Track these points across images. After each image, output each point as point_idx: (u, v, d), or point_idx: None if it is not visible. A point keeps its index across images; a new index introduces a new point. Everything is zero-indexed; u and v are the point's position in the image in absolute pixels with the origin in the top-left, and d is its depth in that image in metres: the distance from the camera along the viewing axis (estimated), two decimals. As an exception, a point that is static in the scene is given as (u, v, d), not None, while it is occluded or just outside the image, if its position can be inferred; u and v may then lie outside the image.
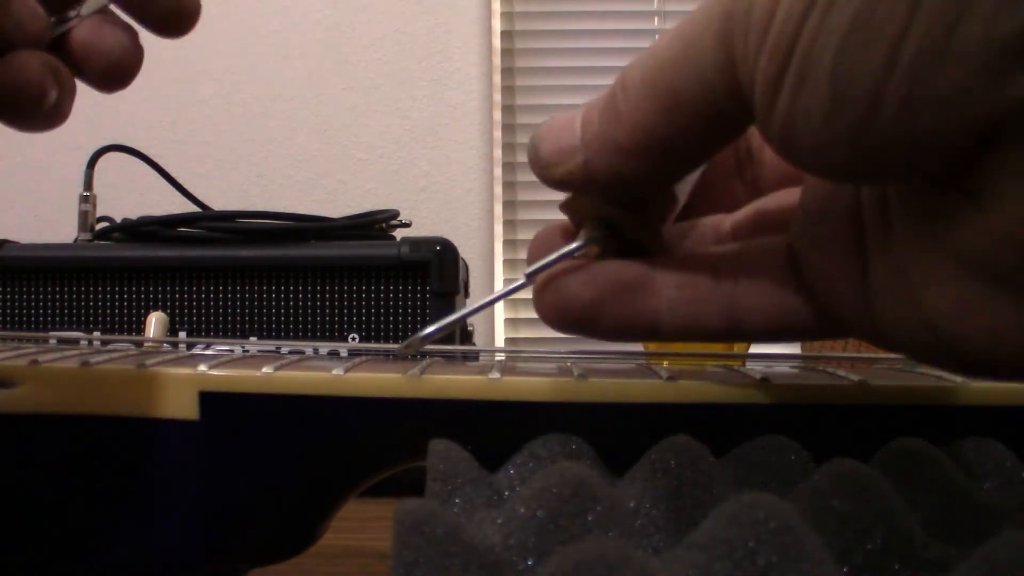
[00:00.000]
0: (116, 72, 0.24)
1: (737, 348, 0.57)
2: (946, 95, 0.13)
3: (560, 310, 0.19)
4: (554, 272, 0.19)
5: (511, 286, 0.21)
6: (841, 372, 0.23)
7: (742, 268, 0.20)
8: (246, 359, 0.24)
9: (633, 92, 0.17)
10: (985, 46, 0.12)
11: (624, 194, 0.19)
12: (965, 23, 0.12)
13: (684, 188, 0.21)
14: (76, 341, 0.54)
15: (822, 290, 0.18)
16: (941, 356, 0.16)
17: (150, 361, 0.23)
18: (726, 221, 0.23)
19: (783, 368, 0.27)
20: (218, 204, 0.68)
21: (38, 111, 0.23)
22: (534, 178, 0.19)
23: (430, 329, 0.21)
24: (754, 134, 0.21)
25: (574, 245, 0.19)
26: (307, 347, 0.54)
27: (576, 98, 1.48)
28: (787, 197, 0.21)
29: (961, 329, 0.15)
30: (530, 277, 0.20)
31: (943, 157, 0.14)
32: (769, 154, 0.22)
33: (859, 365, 0.30)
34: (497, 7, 1.50)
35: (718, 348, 0.57)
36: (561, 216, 0.21)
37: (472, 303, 0.22)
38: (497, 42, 1.50)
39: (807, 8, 0.14)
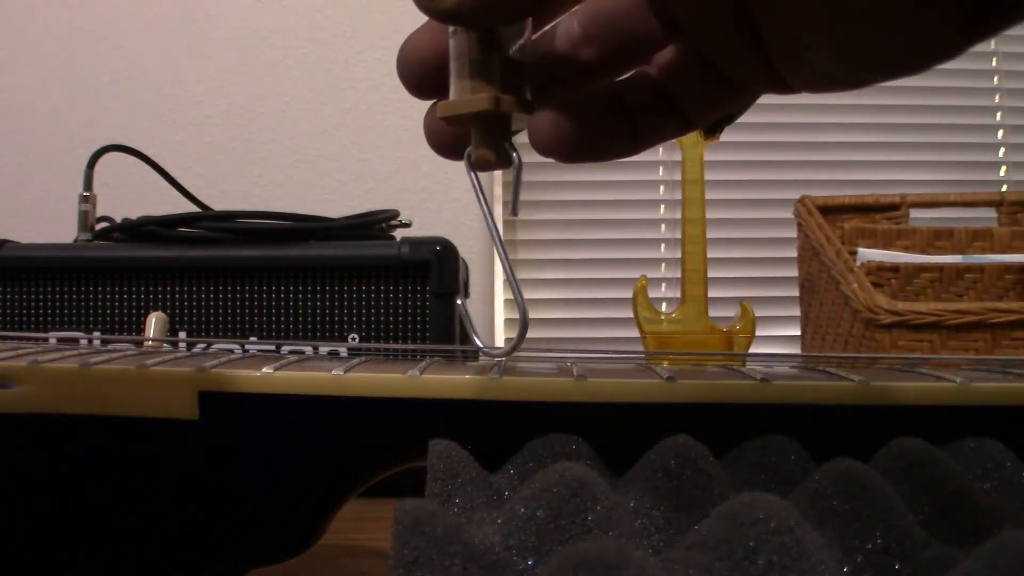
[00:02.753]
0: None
1: (737, 348, 0.57)
2: None
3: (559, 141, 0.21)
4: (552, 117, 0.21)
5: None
6: (841, 372, 0.23)
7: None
8: (246, 359, 0.24)
9: None
10: None
11: (495, 21, 0.21)
12: None
13: (522, 46, 0.22)
14: (76, 341, 0.54)
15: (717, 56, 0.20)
16: (817, 84, 0.20)
17: (150, 361, 0.23)
18: (573, 23, 0.24)
19: (783, 368, 0.27)
20: (218, 204, 0.68)
21: None
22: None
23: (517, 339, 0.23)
24: None
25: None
26: (307, 347, 0.54)
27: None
28: None
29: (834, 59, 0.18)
30: (513, 213, 0.22)
31: None
32: None
33: (859, 365, 0.30)
34: (497, 7, 1.50)
35: (718, 348, 0.57)
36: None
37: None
38: (497, 42, 1.50)
39: None
